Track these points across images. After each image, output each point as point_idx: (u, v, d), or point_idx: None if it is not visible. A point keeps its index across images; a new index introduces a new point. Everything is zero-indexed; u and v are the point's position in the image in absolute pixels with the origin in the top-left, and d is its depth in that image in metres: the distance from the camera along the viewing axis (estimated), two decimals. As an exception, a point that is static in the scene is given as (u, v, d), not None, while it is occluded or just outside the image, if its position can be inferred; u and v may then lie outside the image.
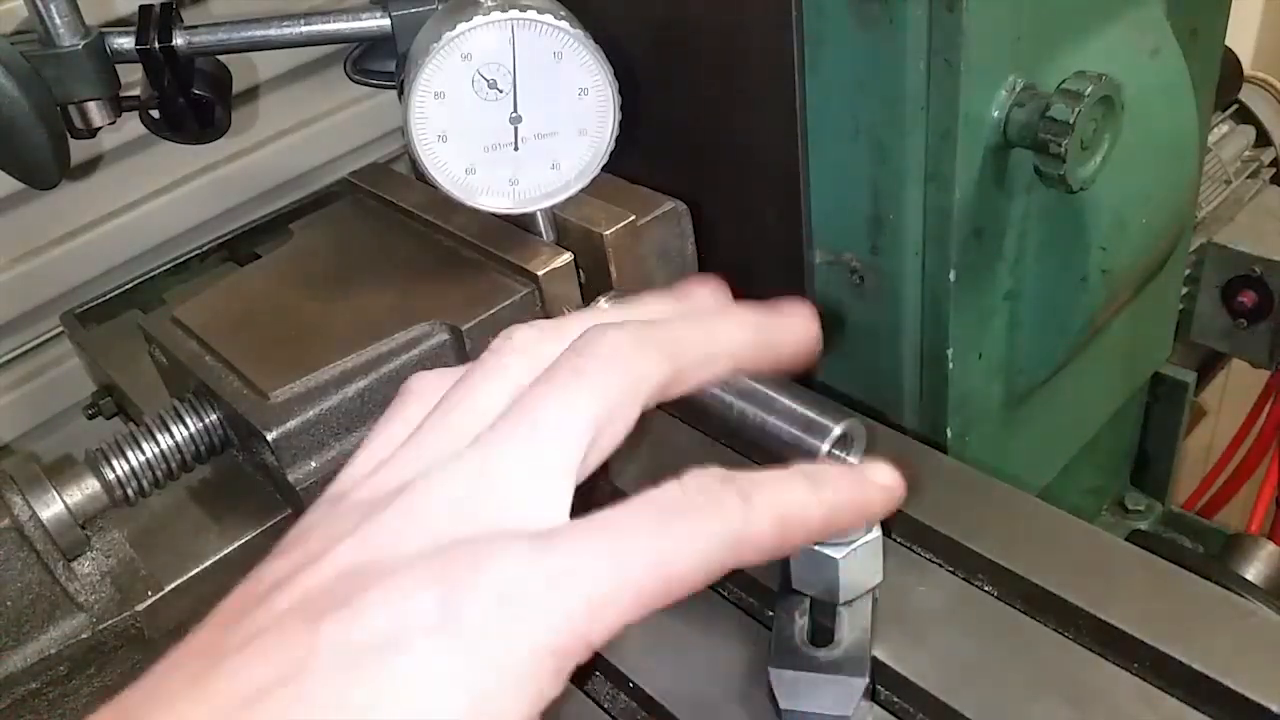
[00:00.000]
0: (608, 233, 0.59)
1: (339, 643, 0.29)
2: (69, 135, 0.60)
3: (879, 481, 0.39)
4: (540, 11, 0.51)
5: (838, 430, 0.46)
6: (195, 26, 0.61)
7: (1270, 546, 0.96)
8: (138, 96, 0.63)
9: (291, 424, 0.54)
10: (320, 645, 0.29)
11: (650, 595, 0.31)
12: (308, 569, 0.32)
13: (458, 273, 0.59)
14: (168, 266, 0.87)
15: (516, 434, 0.33)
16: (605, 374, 0.34)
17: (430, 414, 0.36)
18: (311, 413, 0.54)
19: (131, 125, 0.67)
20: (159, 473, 0.58)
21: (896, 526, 0.57)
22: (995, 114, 0.60)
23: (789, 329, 0.41)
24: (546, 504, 0.33)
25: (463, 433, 0.35)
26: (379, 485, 0.34)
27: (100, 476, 0.56)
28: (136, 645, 0.54)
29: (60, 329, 0.86)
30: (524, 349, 0.36)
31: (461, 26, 0.51)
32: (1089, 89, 0.56)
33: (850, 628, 0.50)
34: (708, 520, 0.32)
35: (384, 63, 0.67)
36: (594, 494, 0.67)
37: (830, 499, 0.36)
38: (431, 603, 0.29)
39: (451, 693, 0.29)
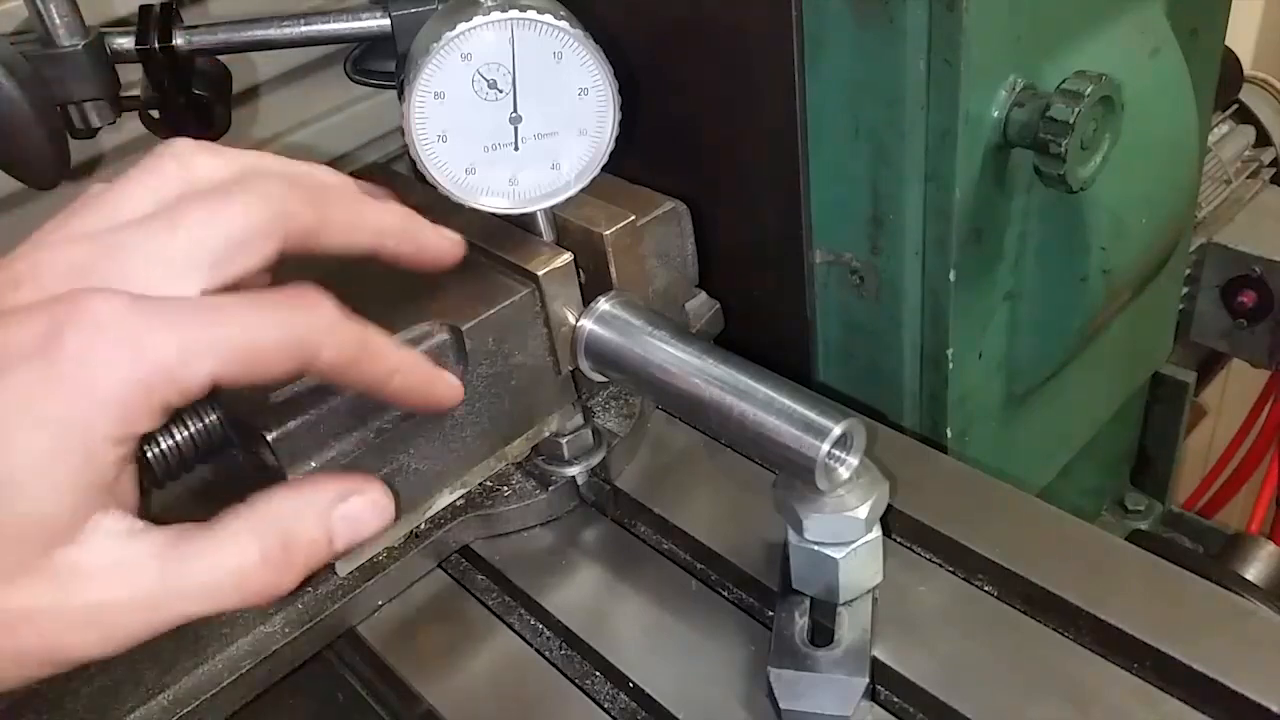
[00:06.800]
0: (608, 233, 0.59)
1: None
2: (69, 135, 0.60)
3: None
4: (540, 11, 0.51)
5: (837, 430, 0.46)
6: (195, 26, 0.62)
7: (1270, 546, 0.96)
8: (138, 96, 0.63)
9: (291, 424, 0.53)
10: None
11: (235, 359, 0.36)
12: None
13: (458, 273, 0.59)
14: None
15: (153, 228, 0.37)
16: (251, 202, 0.38)
17: (86, 199, 0.40)
18: (311, 413, 0.54)
19: (131, 125, 0.67)
20: (158, 472, 0.58)
21: (896, 526, 0.57)
22: (995, 114, 0.60)
23: (432, 231, 0.47)
24: (163, 289, 0.36)
25: (104, 218, 0.39)
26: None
27: (100, 476, 0.55)
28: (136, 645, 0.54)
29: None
30: (180, 155, 0.40)
31: (461, 26, 0.51)
32: (1089, 89, 0.56)
33: (850, 628, 0.50)
34: (293, 314, 0.38)
35: (384, 63, 0.67)
36: (594, 495, 0.67)
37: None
38: (33, 334, 0.34)
39: (44, 411, 0.33)
